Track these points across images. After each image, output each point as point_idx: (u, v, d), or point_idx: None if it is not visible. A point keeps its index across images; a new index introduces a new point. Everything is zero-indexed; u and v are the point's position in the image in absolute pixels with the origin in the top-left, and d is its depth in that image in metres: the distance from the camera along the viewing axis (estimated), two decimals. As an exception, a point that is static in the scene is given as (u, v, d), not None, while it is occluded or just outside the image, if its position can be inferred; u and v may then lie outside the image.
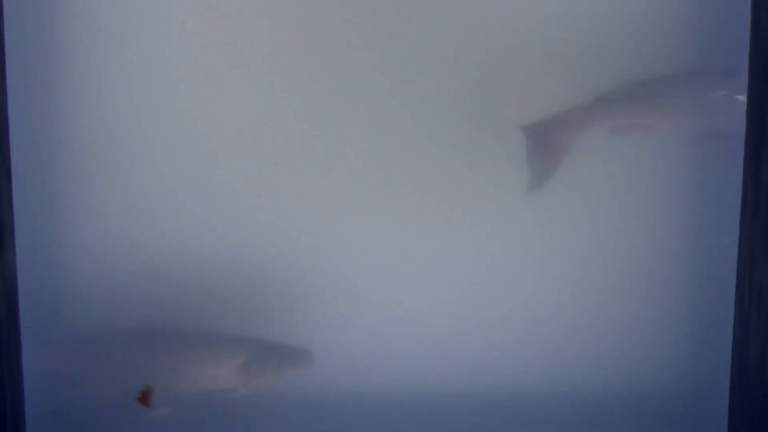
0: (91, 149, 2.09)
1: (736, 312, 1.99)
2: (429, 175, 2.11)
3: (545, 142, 2.06)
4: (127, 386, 2.09)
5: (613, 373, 2.13)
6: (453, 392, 2.13)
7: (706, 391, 2.12)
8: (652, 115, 2.07)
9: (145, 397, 2.02)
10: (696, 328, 2.13)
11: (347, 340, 2.13)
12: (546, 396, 2.13)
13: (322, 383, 2.13)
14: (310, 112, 2.09)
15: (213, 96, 2.08)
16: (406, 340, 2.13)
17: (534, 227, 2.13)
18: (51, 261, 2.11)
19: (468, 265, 2.13)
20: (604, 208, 2.12)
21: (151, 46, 2.06)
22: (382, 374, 2.14)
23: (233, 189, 2.10)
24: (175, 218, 2.11)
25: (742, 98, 1.95)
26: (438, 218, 2.12)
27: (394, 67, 2.08)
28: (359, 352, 2.13)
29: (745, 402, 1.95)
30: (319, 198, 2.11)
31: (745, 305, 1.95)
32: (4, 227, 1.92)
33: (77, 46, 2.06)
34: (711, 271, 2.11)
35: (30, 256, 2.07)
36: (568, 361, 2.13)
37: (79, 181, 2.10)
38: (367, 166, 2.11)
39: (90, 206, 2.10)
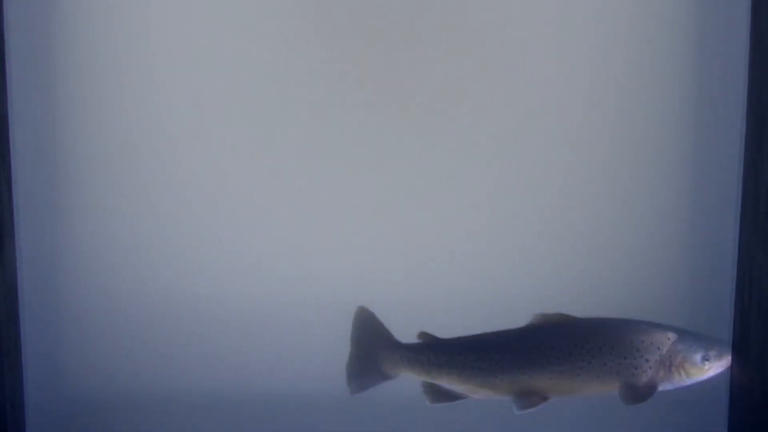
0: (93, 150, 2.09)
1: (735, 311, 1.99)
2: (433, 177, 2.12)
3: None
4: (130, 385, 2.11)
5: (613, 306, 2.12)
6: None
7: (706, 390, 2.12)
8: None
9: None
10: (695, 326, 2.13)
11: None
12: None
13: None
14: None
15: (219, 99, 2.09)
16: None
17: (534, 228, 2.13)
18: (51, 261, 2.11)
19: (469, 254, 2.14)
20: (604, 208, 2.12)
21: (153, 51, 2.07)
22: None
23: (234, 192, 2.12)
24: (178, 218, 2.12)
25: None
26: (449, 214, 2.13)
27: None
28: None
29: (745, 402, 1.95)
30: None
31: (745, 305, 1.94)
32: (4, 229, 1.92)
33: (79, 48, 2.07)
34: (710, 270, 2.11)
35: (30, 257, 2.08)
36: (568, 299, 2.11)
37: (80, 182, 2.10)
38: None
39: (91, 207, 2.10)
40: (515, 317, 1.92)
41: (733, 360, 1.89)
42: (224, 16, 2.06)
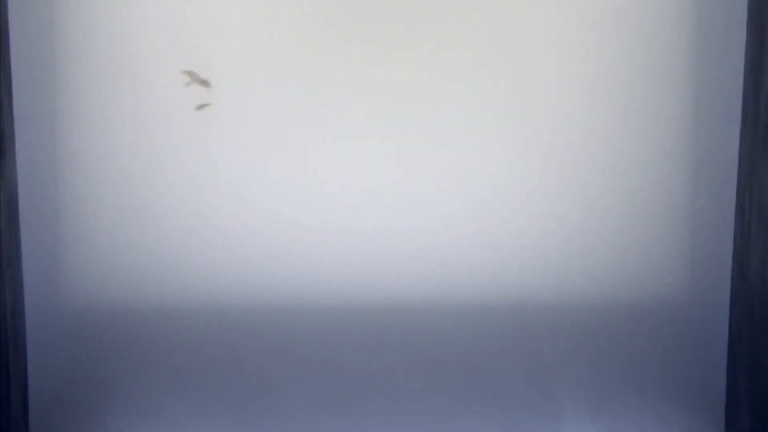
0: (96, 149, 2.09)
1: (733, 313, 2.00)
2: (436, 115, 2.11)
3: None
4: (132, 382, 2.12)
5: (613, 283, 2.15)
6: (456, 303, 2.15)
7: (706, 300, 2.15)
8: None
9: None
10: (696, 237, 2.15)
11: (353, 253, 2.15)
12: (546, 307, 2.15)
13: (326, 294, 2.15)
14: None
15: (221, 99, 2.07)
16: (407, 251, 2.14)
17: (536, 141, 2.13)
18: (52, 176, 2.10)
19: (473, 179, 2.14)
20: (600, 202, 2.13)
21: (156, 53, 2.05)
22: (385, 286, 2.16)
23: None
24: (181, 218, 2.11)
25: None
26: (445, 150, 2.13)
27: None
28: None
29: (745, 311, 1.97)
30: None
31: (745, 216, 1.95)
32: (4, 136, 1.90)
33: (82, 51, 2.06)
34: (712, 181, 2.13)
35: (30, 168, 2.07)
36: (568, 273, 2.14)
37: (83, 184, 2.10)
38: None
39: (94, 210, 2.10)
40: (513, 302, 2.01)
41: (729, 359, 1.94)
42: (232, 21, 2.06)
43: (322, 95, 2.10)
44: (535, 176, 2.12)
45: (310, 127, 2.11)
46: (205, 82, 1.96)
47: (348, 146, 2.11)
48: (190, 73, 1.85)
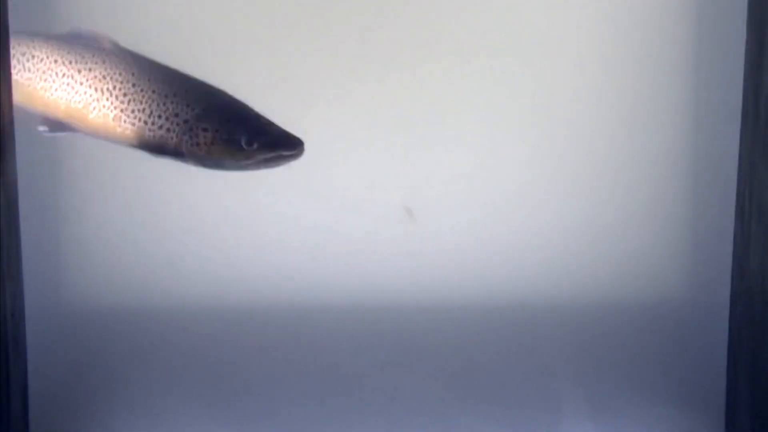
0: (96, 149, 2.07)
1: (736, 223, 2.00)
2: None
3: None
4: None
5: (613, 283, 2.15)
6: (457, 303, 2.15)
7: (706, 300, 2.15)
8: None
9: None
10: (697, 236, 2.15)
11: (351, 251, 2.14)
12: (546, 307, 2.15)
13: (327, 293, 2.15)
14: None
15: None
16: (406, 250, 2.14)
17: (535, 141, 2.13)
18: (56, 263, 2.11)
19: (471, 179, 2.14)
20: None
21: (155, 54, 2.04)
22: (383, 285, 2.16)
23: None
24: (182, 218, 2.11)
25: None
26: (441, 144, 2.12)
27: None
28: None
29: (745, 311, 1.97)
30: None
31: (745, 216, 1.95)
32: (4, 140, 1.89)
33: None
34: (712, 181, 2.13)
35: (35, 258, 2.07)
36: (568, 272, 2.14)
37: (83, 184, 2.10)
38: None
39: (94, 210, 2.10)
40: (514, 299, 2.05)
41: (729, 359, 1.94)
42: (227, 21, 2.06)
43: (326, 95, 2.09)
44: (533, 176, 2.12)
45: (311, 126, 2.10)
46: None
47: (349, 148, 2.11)
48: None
